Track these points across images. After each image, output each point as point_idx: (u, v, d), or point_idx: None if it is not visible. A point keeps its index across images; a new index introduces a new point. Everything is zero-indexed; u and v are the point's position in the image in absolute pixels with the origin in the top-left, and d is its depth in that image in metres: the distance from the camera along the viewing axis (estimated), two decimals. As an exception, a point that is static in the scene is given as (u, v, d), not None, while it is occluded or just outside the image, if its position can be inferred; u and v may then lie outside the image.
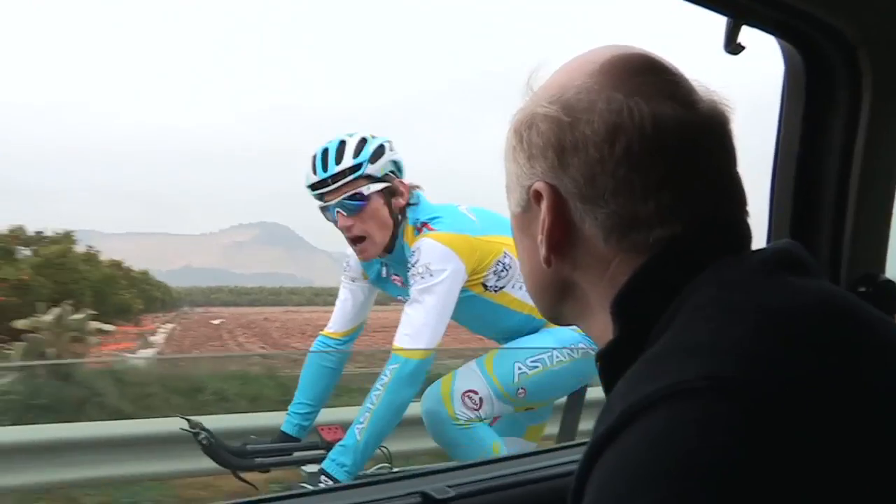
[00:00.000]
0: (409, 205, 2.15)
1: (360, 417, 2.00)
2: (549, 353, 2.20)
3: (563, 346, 2.21)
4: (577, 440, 2.28)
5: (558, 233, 0.66)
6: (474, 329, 2.43)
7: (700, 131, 0.64)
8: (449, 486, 1.18)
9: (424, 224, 2.14)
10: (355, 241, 2.12)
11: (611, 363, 0.63)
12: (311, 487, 1.92)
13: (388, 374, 2.01)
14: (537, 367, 2.19)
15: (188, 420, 2.06)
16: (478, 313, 2.24)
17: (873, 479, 0.49)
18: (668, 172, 0.62)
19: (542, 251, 0.67)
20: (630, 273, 0.63)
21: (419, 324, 2.04)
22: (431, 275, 2.05)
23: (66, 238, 10.20)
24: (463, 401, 2.15)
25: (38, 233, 10.15)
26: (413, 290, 2.08)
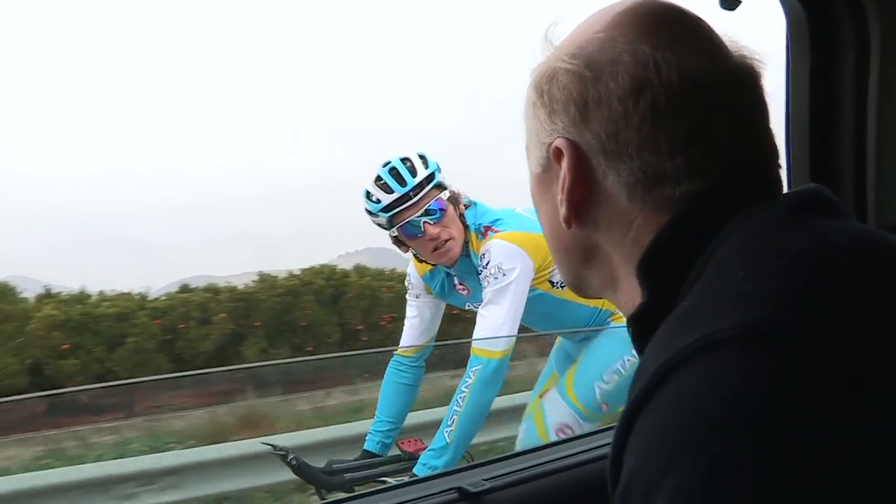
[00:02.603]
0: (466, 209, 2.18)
1: (447, 420, 2.00)
2: (622, 361, 2.19)
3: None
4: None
5: (579, 191, 0.62)
6: (542, 327, 2.41)
7: (730, 85, 0.61)
8: (485, 480, 1.17)
9: (488, 228, 2.15)
10: (439, 246, 2.11)
11: (642, 328, 0.59)
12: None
13: (471, 375, 2.02)
14: (615, 378, 2.19)
15: (273, 445, 2.07)
16: (546, 310, 2.23)
17: None
18: (696, 129, 0.59)
19: (563, 211, 0.63)
20: (655, 232, 0.59)
21: (497, 324, 2.05)
22: (504, 274, 2.06)
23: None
24: (558, 437, 2.18)
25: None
26: (487, 292, 2.08)
